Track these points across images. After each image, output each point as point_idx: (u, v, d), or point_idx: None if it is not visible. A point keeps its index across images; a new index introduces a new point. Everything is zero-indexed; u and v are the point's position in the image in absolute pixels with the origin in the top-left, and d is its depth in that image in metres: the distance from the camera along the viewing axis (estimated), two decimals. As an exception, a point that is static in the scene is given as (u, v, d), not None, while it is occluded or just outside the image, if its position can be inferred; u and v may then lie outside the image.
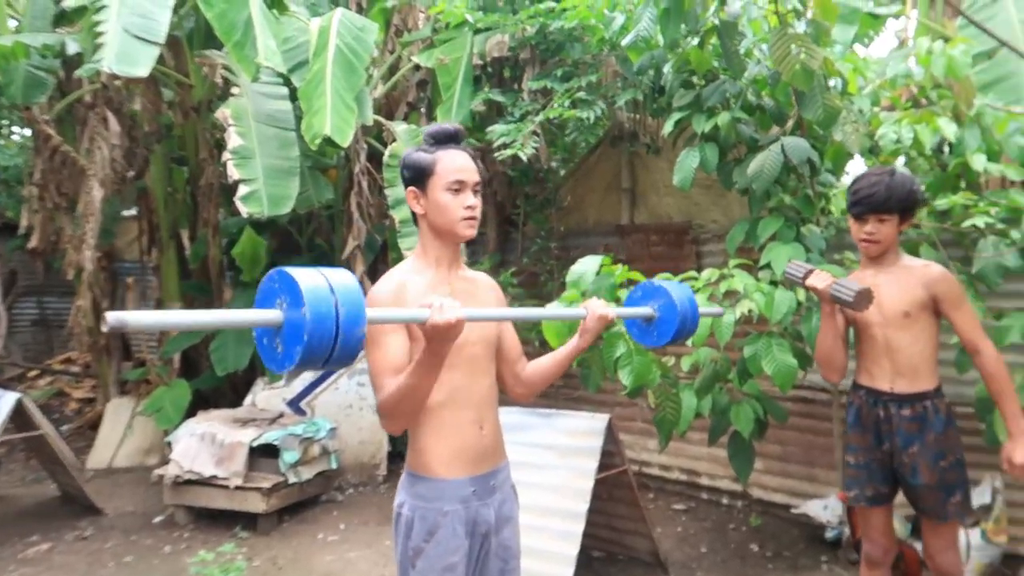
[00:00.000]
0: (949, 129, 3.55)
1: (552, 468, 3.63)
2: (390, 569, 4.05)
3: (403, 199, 4.18)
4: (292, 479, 4.75)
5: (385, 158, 5.04)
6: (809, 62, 3.02)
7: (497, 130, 4.79)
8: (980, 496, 3.79)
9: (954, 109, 3.74)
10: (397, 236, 4.86)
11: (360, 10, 5.96)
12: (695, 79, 3.99)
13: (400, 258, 5.19)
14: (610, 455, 3.69)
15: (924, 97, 4.00)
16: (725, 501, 4.96)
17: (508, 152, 4.55)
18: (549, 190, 5.85)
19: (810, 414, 4.54)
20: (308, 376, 5.53)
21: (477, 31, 5.38)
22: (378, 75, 6.05)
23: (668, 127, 3.95)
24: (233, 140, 4.48)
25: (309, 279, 1.38)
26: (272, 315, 1.40)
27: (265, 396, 5.52)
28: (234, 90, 4.86)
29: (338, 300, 1.39)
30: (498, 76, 5.61)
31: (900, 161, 3.90)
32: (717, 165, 3.82)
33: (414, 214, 2.04)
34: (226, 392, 6.31)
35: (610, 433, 3.60)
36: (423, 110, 6.23)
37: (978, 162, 3.54)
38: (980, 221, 3.38)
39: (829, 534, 4.16)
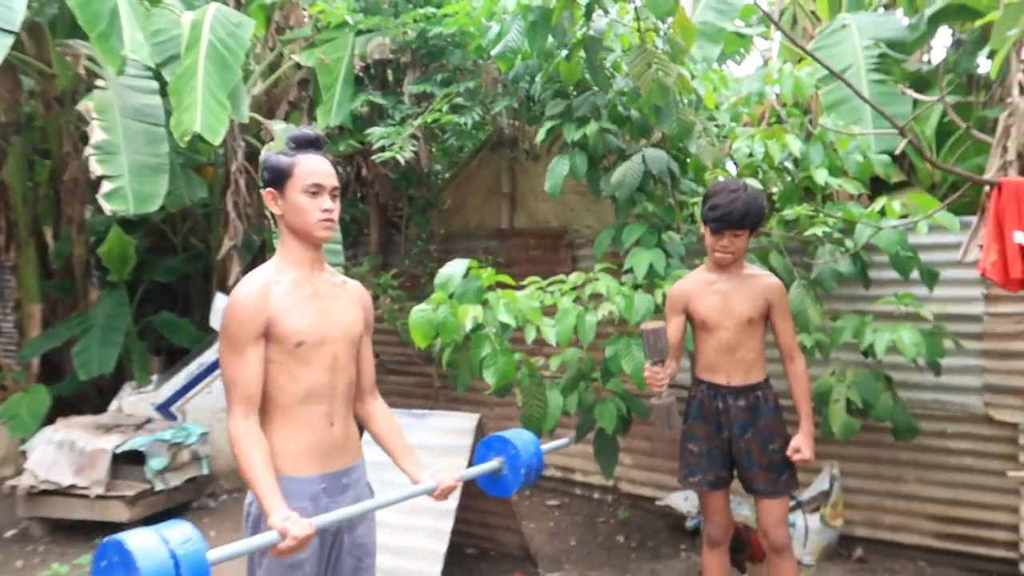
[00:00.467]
0: (795, 145, 3.85)
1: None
2: (260, 574, 3.98)
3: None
4: (159, 486, 4.59)
5: (262, 157, 4.95)
6: (664, 79, 3.21)
7: (376, 132, 4.80)
8: (820, 483, 4.11)
9: (801, 127, 4.05)
10: (275, 237, 4.78)
11: (239, 5, 5.82)
12: (571, 89, 4.15)
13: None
14: (481, 453, 3.77)
15: (775, 115, 4.31)
16: (597, 496, 5.15)
17: (387, 155, 4.57)
18: (431, 193, 5.90)
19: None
20: (180, 379, 5.35)
21: (359, 32, 5.36)
22: (257, 72, 5.93)
23: (541, 135, 4.09)
24: (96, 135, 4.29)
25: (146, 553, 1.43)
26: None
27: (132, 401, 5.30)
28: (99, 82, 4.66)
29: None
30: (381, 78, 5.61)
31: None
32: (586, 173, 3.98)
33: (272, 215, 2.07)
34: (91, 397, 6.01)
35: (480, 432, 3.68)
36: (305, 109, 6.15)
37: (820, 176, 3.85)
38: (819, 230, 3.69)
39: (689, 524, 4.40)
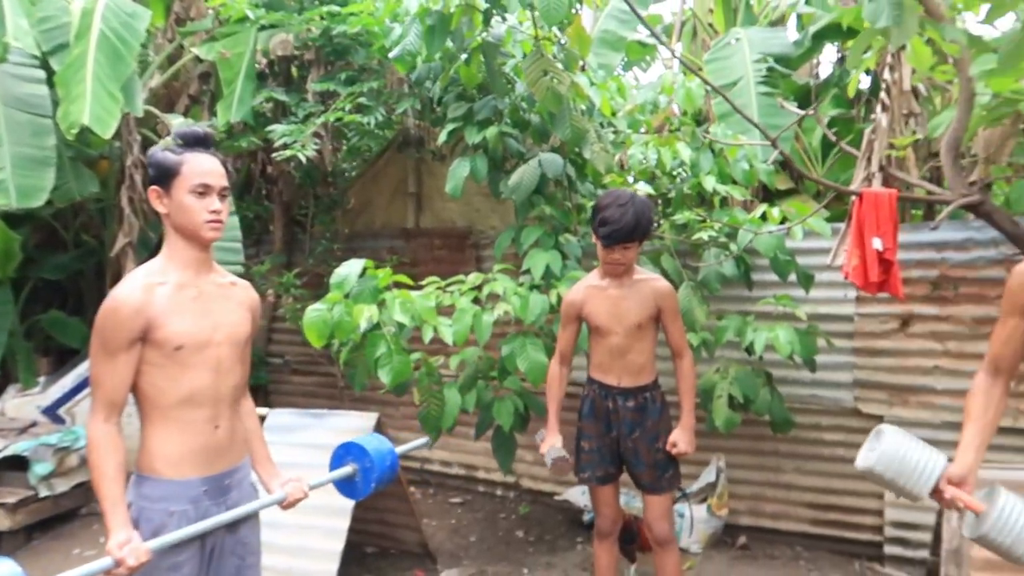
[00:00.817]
0: (685, 152, 4.03)
1: (322, 466, 3.66)
2: (152, 580, 3.89)
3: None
4: (44, 492, 4.41)
5: (148, 153, 4.81)
6: (558, 86, 3.31)
7: (279, 130, 4.75)
8: (707, 475, 4.33)
9: (693, 135, 4.24)
10: (171, 234, 4.66)
11: (136, -6, 5.63)
12: (475, 91, 4.21)
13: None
14: (380, 452, 3.79)
15: (667, 122, 4.49)
16: (499, 493, 5.24)
17: (288, 153, 4.52)
18: (337, 192, 5.86)
19: (574, 408, 4.91)
20: (68, 381, 5.14)
21: (262, 28, 5.28)
22: (155, 64, 5.75)
23: (442, 137, 4.15)
24: (-25, 124, 4.09)
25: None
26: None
27: (16, 404, 5.06)
28: (-22, 69, 4.43)
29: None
30: (284, 75, 5.54)
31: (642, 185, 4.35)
32: (488, 175, 4.06)
33: (158, 214, 2.05)
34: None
35: (379, 430, 3.70)
36: (205, 103, 6.00)
37: (708, 183, 4.05)
38: (705, 235, 3.87)
39: (586, 517, 4.54)
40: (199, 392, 1.98)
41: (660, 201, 4.34)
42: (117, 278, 5.45)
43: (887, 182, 3.27)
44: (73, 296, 6.68)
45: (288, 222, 6.08)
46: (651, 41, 7.40)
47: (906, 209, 4.20)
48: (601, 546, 3.20)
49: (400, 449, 2.53)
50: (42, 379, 5.43)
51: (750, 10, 6.66)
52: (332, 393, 5.84)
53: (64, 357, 5.96)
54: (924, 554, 3.81)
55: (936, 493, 1.92)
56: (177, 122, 5.13)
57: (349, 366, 3.48)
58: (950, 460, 1.95)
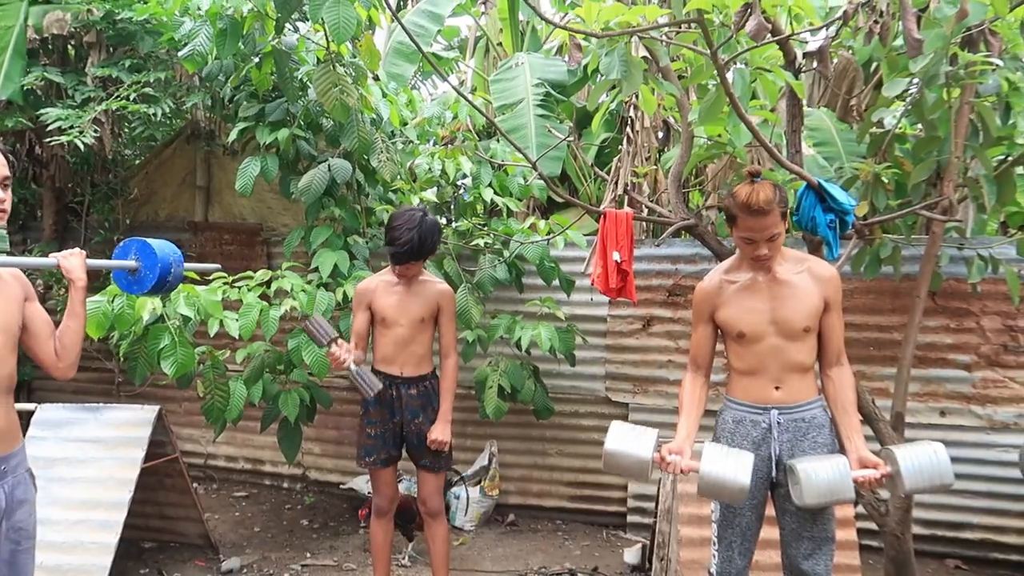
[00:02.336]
0: (467, 166, 4.43)
1: (96, 461, 3.63)
2: None
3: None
4: None
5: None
6: (346, 99, 3.56)
7: (52, 113, 4.53)
8: (481, 460, 4.77)
9: (475, 149, 4.65)
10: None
11: None
12: (270, 90, 4.32)
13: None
14: (161, 445, 3.81)
15: (454, 135, 4.87)
16: (286, 485, 5.35)
17: (64, 138, 4.35)
18: (117, 180, 5.64)
19: (356, 400, 5.15)
20: None
21: (34, 2, 4.98)
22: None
23: (233, 135, 4.22)
24: None
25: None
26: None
27: None
28: None
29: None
30: (60, 54, 5.25)
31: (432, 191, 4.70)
32: (278, 176, 4.20)
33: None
34: None
35: (160, 423, 3.71)
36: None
37: (487, 194, 4.48)
38: (481, 241, 4.29)
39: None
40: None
41: (444, 208, 4.71)
42: None
43: (631, 203, 3.85)
44: None
45: (60, 209, 5.74)
46: (448, 55, 7.79)
47: (652, 227, 4.90)
48: (378, 523, 3.48)
49: (191, 266, 2.53)
50: None
51: (536, 34, 7.27)
52: (107, 390, 5.61)
53: None
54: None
55: (660, 462, 2.40)
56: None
57: (129, 359, 3.48)
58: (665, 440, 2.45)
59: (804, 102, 3.54)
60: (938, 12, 2.80)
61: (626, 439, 2.39)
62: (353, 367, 3.07)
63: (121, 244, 2.43)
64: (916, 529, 4.11)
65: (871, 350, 4.26)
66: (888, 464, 2.32)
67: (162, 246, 2.40)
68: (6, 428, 2.13)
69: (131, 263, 2.37)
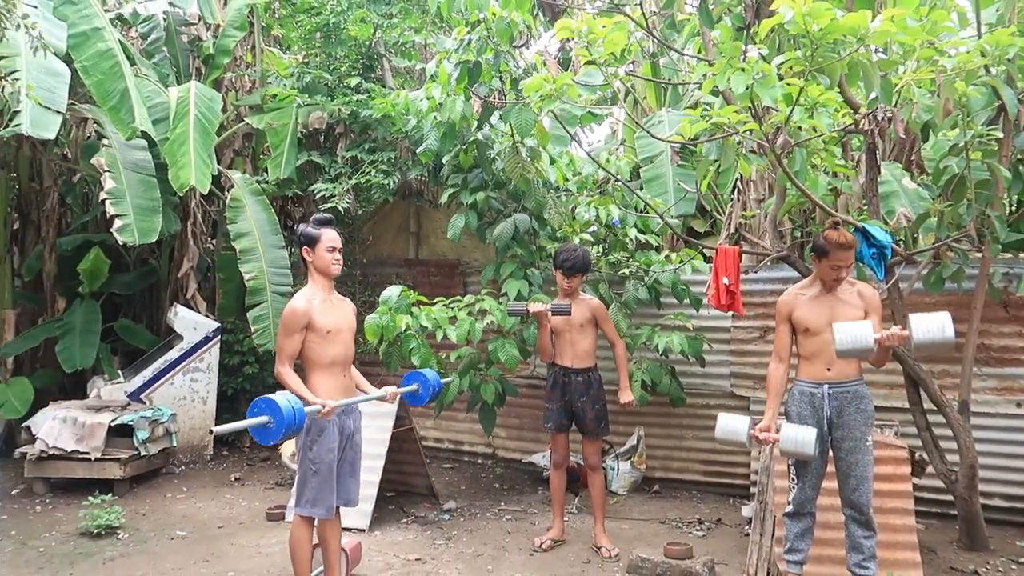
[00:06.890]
0: (615, 212, 5.79)
1: (366, 428, 5.30)
2: (235, 510, 5.46)
3: (244, 232, 5.86)
4: (143, 452, 5.94)
5: (228, 200, 6.44)
6: (526, 173, 5.05)
7: (319, 187, 6.40)
8: (631, 440, 6.06)
9: (622, 197, 6.00)
10: (239, 262, 6.24)
11: (199, 75, 7.26)
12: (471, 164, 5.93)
13: (228, 279, 6.62)
14: (401, 419, 5.43)
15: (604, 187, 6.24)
16: (480, 461, 6.91)
17: (329, 204, 6.18)
18: (353, 229, 7.51)
19: (537, 396, 6.60)
20: (148, 372, 6.67)
21: (300, 105, 6.94)
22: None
23: (444, 197, 5.85)
24: (108, 183, 5.67)
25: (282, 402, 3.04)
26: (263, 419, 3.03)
27: (109, 389, 6.57)
28: (104, 141, 6.00)
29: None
30: (315, 140, 7.20)
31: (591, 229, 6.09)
32: (477, 226, 5.77)
33: (306, 260, 3.69)
34: (54, 390, 7.16)
35: (401, 403, 5.33)
36: (248, 156, 7.65)
37: (631, 233, 5.82)
38: (626, 270, 5.63)
39: (545, 474, 6.22)
40: None
41: (598, 245, 6.09)
42: (183, 293, 7.04)
43: (741, 239, 5.05)
44: (128, 307, 8.20)
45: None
46: (599, 110, 9.20)
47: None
48: (556, 473, 4.86)
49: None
50: (121, 371, 6.95)
51: (676, 90, 8.51)
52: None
53: (131, 355, 7.48)
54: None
55: (754, 439, 3.61)
56: (236, 176, 6.75)
57: (385, 356, 5.13)
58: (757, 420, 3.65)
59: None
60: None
61: (728, 426, 3.60)
62: (548, 305, 4.50)
63: (409, 375, 4.11)
64: (997, 502, 4.98)
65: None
66: (905, 328, 3.29)
67: (429, 374, 4.10)
68: (350, 386, 3.74)
69: (414, 387, 4.06)
